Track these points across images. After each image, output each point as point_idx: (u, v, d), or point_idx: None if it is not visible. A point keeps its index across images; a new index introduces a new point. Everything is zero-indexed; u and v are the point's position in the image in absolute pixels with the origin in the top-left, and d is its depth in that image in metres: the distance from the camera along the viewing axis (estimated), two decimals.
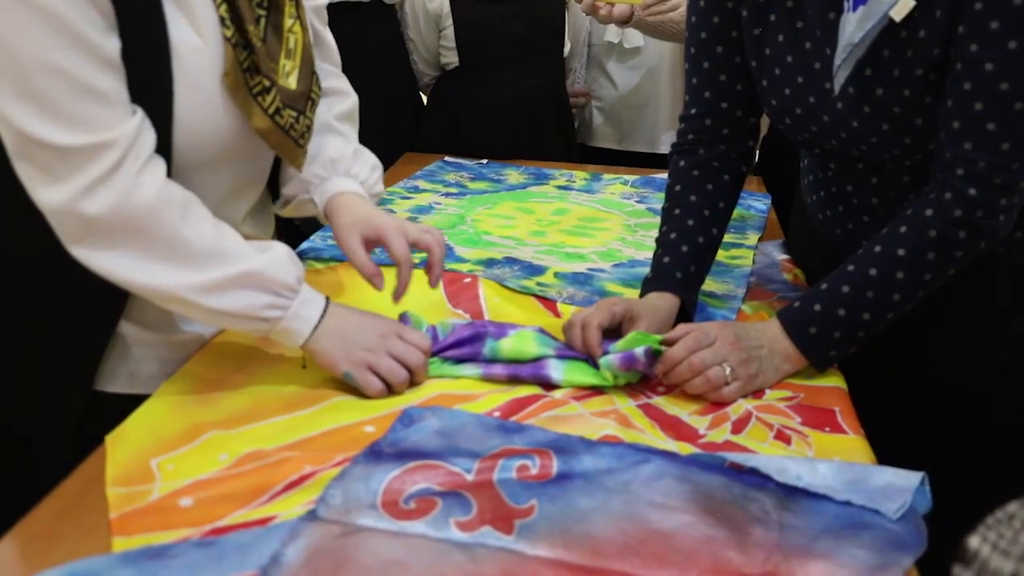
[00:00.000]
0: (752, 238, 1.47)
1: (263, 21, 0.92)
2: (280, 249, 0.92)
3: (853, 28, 0.95)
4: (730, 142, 1.17)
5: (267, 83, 0.91)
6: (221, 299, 0.87)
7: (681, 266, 1.11)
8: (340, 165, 1.08)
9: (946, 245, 0.94)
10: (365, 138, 1.86)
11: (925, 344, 1.08)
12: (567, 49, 1.94)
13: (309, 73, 0.98)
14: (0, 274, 0.95)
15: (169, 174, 0.89)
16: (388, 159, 1.85)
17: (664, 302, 1.08)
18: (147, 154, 0.85)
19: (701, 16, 1.13)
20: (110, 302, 0.95)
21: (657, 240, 1.15)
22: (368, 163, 1.13)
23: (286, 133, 0.94)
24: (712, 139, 1.17)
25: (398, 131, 1.92)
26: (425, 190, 1.66)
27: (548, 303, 1.18)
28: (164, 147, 0.88)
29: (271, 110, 0.92)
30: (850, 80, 0.99)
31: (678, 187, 1.17)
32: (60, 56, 0.78)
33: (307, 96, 0.97)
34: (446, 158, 1.86)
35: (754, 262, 1.36)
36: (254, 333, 0.93)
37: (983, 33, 0.89)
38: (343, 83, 1.17)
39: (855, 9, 0.94)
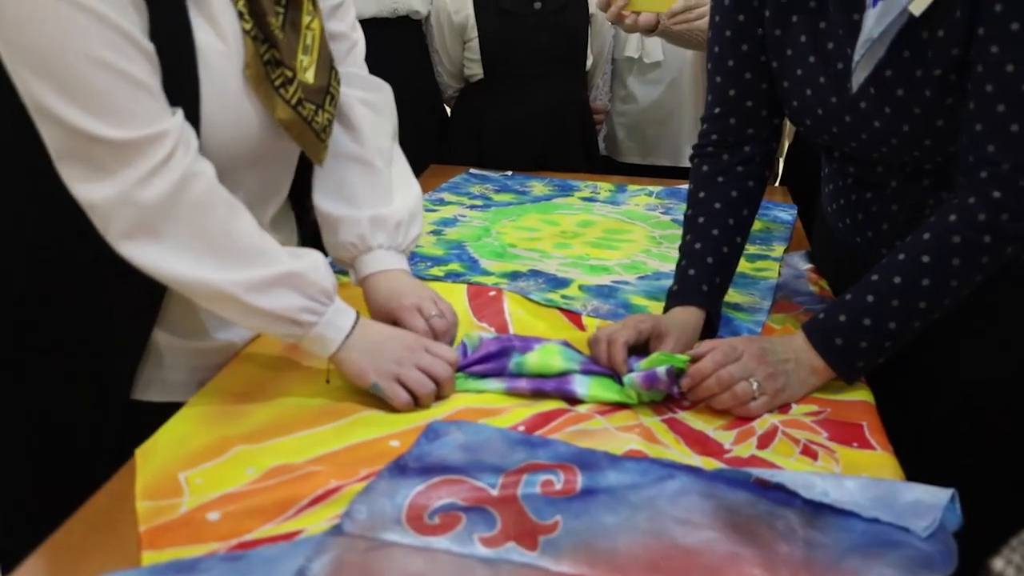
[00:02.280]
0: (778, 249, 1.46)
1: (281, 17, 0.94)
2: (317, 256, 0.93)
3: (872, 23, 0.95)
4: (754, 143, 1.16)
5: (289, 74, 0.92)
6: (262, 297, 0.88)
7: (706, 278, 1.10)
8: (370, 236, 1.09)
9: (972, 250, 0.92)
10: None
11: (954, 355, 1.07)
12: (589, 62, 1.94)
13: (327, 68, 0.99)
14: (39, 287, 0.96)
15: None
16: (414, 171, 1.86)
17: (690, 316, 1.07)
18: (196, 147, 0.86)
19: (726, 15, 1.13)
20: (146, 311, 0.96)
21: (680, 249, 1.14)
22: (404, 208, 1.12)
23: (308, 124, 0.96)
24: (736, 140, 1.16)
25: (423, 143, 1.93)
26: (450, 202, 1.67)
27: (573, 316, 1.18)
28: None
29: (293, 101, 0.93)
30: (870, 81, 0.99)
31: (701, 193, 1.16)
32: (108, 52, 0.79)
33: (326, 90, 0.98)
34: (471, 170, 1.86)
35: (780, 274, 1.35)
36: (287, 339, 0.93)
37: (1004, 34, 0.88)
38: (378, 94, 1.16)
39: (875, 4, 0.94)
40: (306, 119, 0.95)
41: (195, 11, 0.87)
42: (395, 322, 1.03)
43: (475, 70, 1.90)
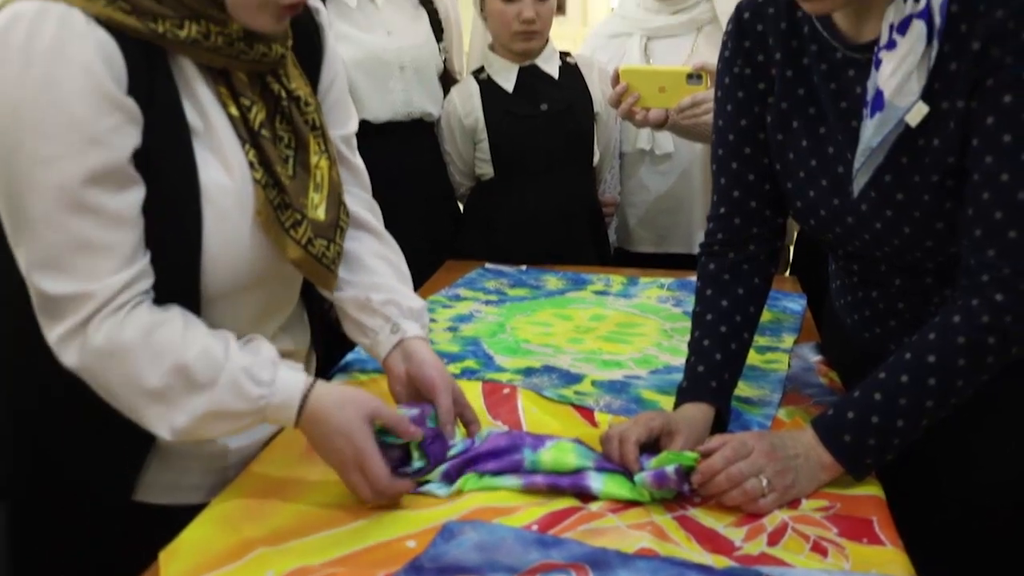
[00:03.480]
0: (788, 340, 1.48)
1: (291, 160, 0.99)
2: (234, 365, 0.92)
3: (871, 133, 0.99)
4: (759, 242, 1.20)
5: (298, 216, 0.97)
6: (198, 431, 0.91)
7: (715, 375, 1.13)
8: (398, 313, 1.12)
9: (976, 351, 0.95)
10: (408, 247, 1.94)
11: (962, 451, 1.08)
12: (597, 158, 2.00)
13: (336, 203, 1.03)
14: (42, 385, 0.99)
15: (198, 303, 0.95)
16: (430, 267, 1.91)
17: (700, 412, 1.10)
18: (129, 300, 0.89)
19: (728, 119, 1.18)
20: (131, 456, 1.00)
21: (689, 345, 1.17)
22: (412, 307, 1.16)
23: (319, 261, 1.00)
24: (741, 239, 1.19)
25: (438, 240, 1.98)
26: (466, 298, 1.71)
27: (586, 412, 1.21)
28: (191, 280, 0.94)
29: (303, 241, 0.98)
30: (871, 185, 1.03)
31: (709, 291, 1.19)
32: (63, 216, 0.84)
33: (336, 225, 1.03)
34: (487, 265, 1.91)
35: (789, 365, 1.37)
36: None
37: (997, 146, 0.93)
38: (372, 215, 1.21)
39: (872, 115, 0.99)
40: (317, 256, 0.99)
41: (203, 149, 0.93)
42: (420, 389, 1.06)
43: (486, 169, 1.97)
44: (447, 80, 1.99)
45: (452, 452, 1.03)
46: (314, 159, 1.01)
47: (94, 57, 0.83)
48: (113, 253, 0.87)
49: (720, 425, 1.12)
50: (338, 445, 0.94)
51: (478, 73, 1.97)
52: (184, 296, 0.94)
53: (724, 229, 1.20)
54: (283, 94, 0.99)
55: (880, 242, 1.07)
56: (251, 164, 0.95)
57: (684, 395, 1.13)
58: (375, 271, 1.15)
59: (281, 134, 0.99)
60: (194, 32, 0.89)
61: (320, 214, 1.01)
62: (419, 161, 1.94)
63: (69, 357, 0.89)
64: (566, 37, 2.18)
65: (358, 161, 1.19)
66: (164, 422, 0.90)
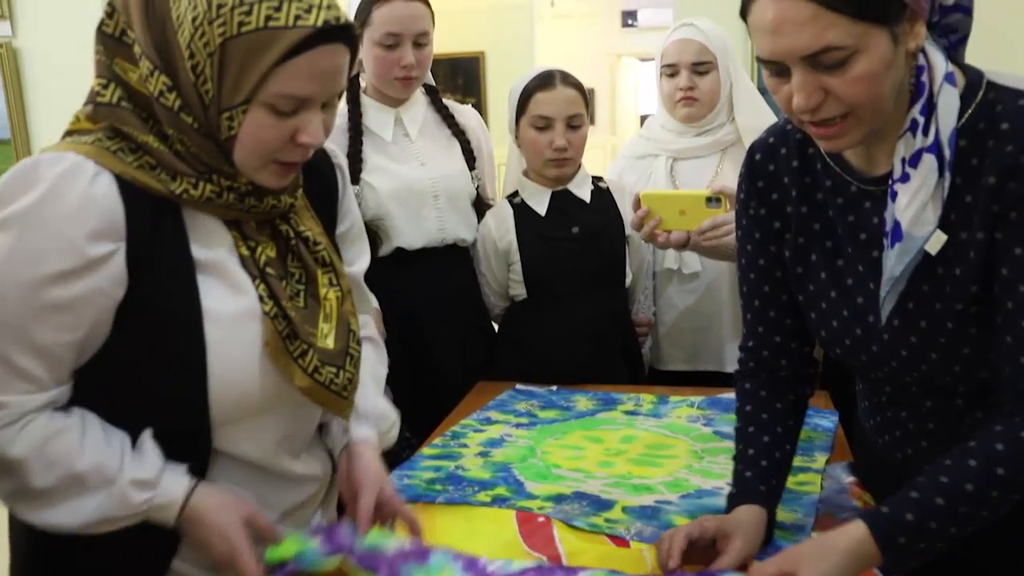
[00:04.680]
0: (820, 460, 1.48)
1: (303, 293, 1.05)
2: (124, 477, 0.97)
3: (893, 263, 1.02)
4: (789, 370, 1.25)
5: (305, 346, 1.02)
6: (76, 530, 0.96)
7: (763, 479, 1.16)
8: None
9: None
10: (443, 370, 1.98)
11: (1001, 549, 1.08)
12: (629, 279, 2.04)
13: (346, 332, 1.08)
14: None
15: (208, 427, 0.99)
16: (463, 388, 1.94)
17: (752, 515, 1.12)
18: (29, 419, 0.95)
19: (749, 258, 1.23)
20: (162, 543, 1.02)
21: (735, 458, 1.22)
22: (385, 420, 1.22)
23: (327, 388, 1.04)
24: (771, 367, 1.25)
25: (472, 362, 2.01)
26: (497, 421, 1.73)
27: (619, 540, 1.21)
28: (199, 404, 0.98)
29: (310, 369, 1.02)
30: (895, 313, 1.05)
31: (748, 407, 1.24)
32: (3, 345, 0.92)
33: (345, 352, 1.07)
34: (518, 386, 1.93)
35: (822, 487, 1.37)
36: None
37: None
38: (370, 333, 1.28)
39: (892, 246, 1.02)
40: (324, 384, 1.03)
41: (212, 283, 0.98)
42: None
43: (519, 290, 2.01)
44: (480, 206, 2.06)
45: (383, 546, 1.04)
46: (323, 291, 1.07)
47: (82, 206, 0.90)
48: (36, 379, 0.94)
49: (767, 531, 1.14)
50: (214, 543, 0.99)
51: (512, 197, 2.04)
52: (193, 420, 0.99)
53: (754, 360, 1.27)
54: (291, 234, 1.05)
55: (908, 368, 1.08)
56: (261, 298, 1.00)
57: (734, 500, 1.15)
58: None
59: (292, 270, 1.05)
60: (207, 191, 0.96)
61: (329, 343, 1.05)
62: (454, 285, 2.00)
63: None
64: (595, 146, 2.26)
65: (366, 292, 1.27)
66: (41, 518, 0.95)
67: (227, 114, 0.93)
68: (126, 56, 0.96)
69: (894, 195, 1.01)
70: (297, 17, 0.90)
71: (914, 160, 0.99)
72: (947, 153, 0.97)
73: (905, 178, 1.00)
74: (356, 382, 1.09)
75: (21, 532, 1.04)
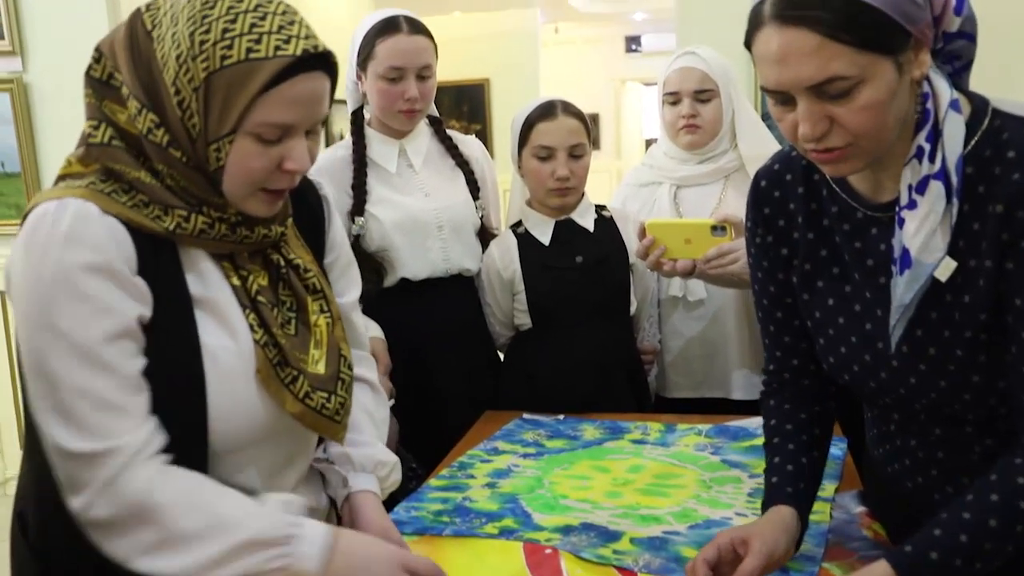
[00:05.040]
0: (829, 488, 1.47)
1: (294, 321, 1.07)
2: (271, 503, 1.00)
3: (903, 290, 1.02)
4: (812, 389, 1.27)
5: (295, 372, 1.03)
6: (225, 571, 0.94)
7: (790, 482, 1.18)
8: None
9: None
10: (448, 400, 1.98)
11: None
12: (634, 307, 2.04)
13: (336, 358, 1.10)
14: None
15: (205, 458, 1.00)
16: (469, 418, 1.94)
17: (778, 515, 1.14)
18: (149, 455, 0.95)
19: (760, 285, 1.25)
20: None
21: (764, 470, 1.23)
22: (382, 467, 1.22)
23: (319, 413, 1.05)
24: (794, 387, 1.27)
25: (478, 391, 2.01)
26: (504, 451, 1.72)
27: (627, 572, 1.20)
28: (199, 436, 0.99)
29: (301, 395, 1.04)
30: (903, 340, 1.05)
31: (773, 421, 1.26)
32: (82, 374, 0.92)
33: (336, 377, 1.09)
34: (524, 415, 1.93)
35: (831, 516, 1.36)
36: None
37: None
38: (367, 370, 1.29)
39: (902, 273, 1.02)
40: (316, 408, 1.05)
41: (206, 317, 1.01)
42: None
43: (524, 320, 2.01)
44: (485, 236, 2.07)
45: None
46: (313, 318, 1.09)
47: (104, 240, 0.93)
48: (128, 413, 0.94)
49: (800, 532, 1.16)
50: (382, 556, 1.02)
51: (516, 227, 2.05)
52: (192, 450, 0.99)
53: (777, 382, 1.29)
54: (282, 263, 1.08)
55: (917, 396, 1.08)
56: (251, 327, 1.02)
57: (765, 507, 1.17)
58: (353, 426, 1.20)
59: (283, 298, 1.07)
60: (200, 223, 0.99)
61: (320, 368, 1.07)
62: (459, 315, 2.01)
63: (98, 512, 0.93)
64: (601, 170, 2.27)
65: (358, 323, 1.28)
66: (193, 558, 0.94)
67: (214, 145, 0.96)
68: (115, 98, 0.99)
69: (901, 222, 1.02)
70: (277, 48, 0.94)
71: (921, 187, 1.00)
72: (954, 180, 0.98)
73: (912, 205, 1.00)
74: (348, 406, 1.11)
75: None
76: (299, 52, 0.95)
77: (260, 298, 1.04)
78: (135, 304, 0.95)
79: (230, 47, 0.93)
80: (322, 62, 0.98)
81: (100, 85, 1.00)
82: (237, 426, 1.02)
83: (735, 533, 1.09)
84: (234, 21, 0.94)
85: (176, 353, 0.98)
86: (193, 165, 0.98)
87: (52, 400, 0.93)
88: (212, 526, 0.95)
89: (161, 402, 0.97)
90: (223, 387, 1.00)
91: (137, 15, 0.99)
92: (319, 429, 1.07)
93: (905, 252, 1.01)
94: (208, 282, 1.02)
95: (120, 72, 0.98)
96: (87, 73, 1.00)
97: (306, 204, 1.17)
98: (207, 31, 0.94)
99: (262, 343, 1.02)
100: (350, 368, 1.12)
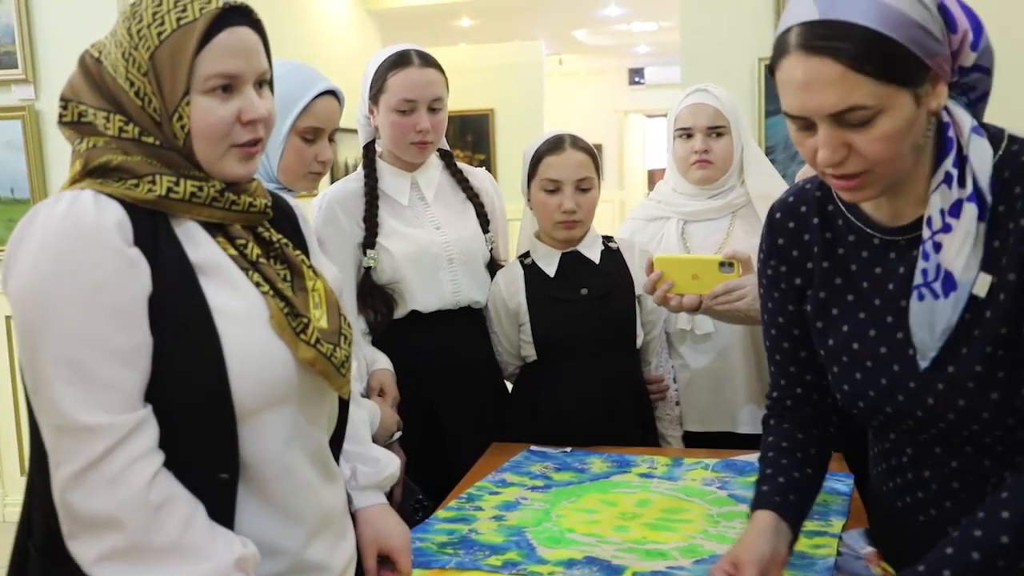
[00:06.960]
0: (836, 524, 1.47)
1: (292, 285, 1.11)
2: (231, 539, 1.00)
3: (949, 313, 1.04)
4: (813, 415, 1.29)
5: (305, 321, 1.08)
6: None
7: (779, 492, 1.20)
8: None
9: None
10: (457, 430, 1.98)
11: None
12: (640, 340, 2.05)
13: (336, 314, 1.15)
14: None
15: (234, 422, 1.01)
16: (477, 450, 1.95)
17: (760, 523, 1.17)
18: (140, 452, 0.95)
19: (770, 314, 1.28)
20: None
21: (755, 481, 1.26)
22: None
23: (328, 360, 1.09)
24: (795, 413, 1.30)
25: (487, 422, 2.01)
26: (512, 483, 1.73)
27: None
28: (224, 397, 1.00)
29: (312, 340, 1.08)
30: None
31: (771, 438, 1.29)
32: (84, 351, 0.94)
33: (338, 332, 1.13)
34: (532, 447, 1.93)
35: (839, 552, 1.36)
36: None
37: None
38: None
39: (947, 296, 1.04)
40: (326, 355, 1.09)
41: (210, 283, 1.04)
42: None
43: (530, 351, 2.02)
44: (494, 268, 2.08)
45: None
46: (310, 283, 1.14)
47: (100, 214, 0.97)
48: (115, 390, 0.95)
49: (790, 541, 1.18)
50: None
51: (523, 258, 2.06)
52: (219, 415, 1.00)
53: (779, 408, 1.32)
54: (273, 239, 1.13)
55: (934, 419, 1.09)
56: (257, 284, 1.07)
57: (749, 513, 1.21)
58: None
59: (278, 270, 1.12)
60: (190, 187, 1.04)
61: (324, 323, 1.12)
62: (468, 346, 2.02)
63: (74, 496, 0.94)
64: (604, 200, 2.28)
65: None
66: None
67: (176, 115, 1.03)
68: (91, 132, 1.05)
69: (937, 247, 1.04)
70: (201, 8, 1.03)
71: (955, 210, 1.03)
72: (988, 199, 1.02)
73: (947, 228, 1.03)
74: (350, 362, 1.15)
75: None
76: (221, 5, 1.04)
77: (261, 260, 1.09)
78: (131, 276, 0.98)
79: (162, 23, 1.02)
80: (244, 16, 1.07)
81: (75, 126, 1.06)
82: (255, 380, 1.03)
83: (728, 559, 1.12)
84: (160, 3, 1.03)
85: (187, 318, 1.00)
86: (167, 146, 1.04)
87: (41, 372, 0.95)
88: (179, 549, 0.95)
89: (181, 369, 0.99)
90: (238, 343, 1.02)
91: (84, 55, 1.08)
92: (328, 376, 1.10)
93: (948, 275, 1.03)
94: (206, 251, 1.06)
95: (84, 104, 1.05)
96: (60, 122, 1.07)
97: (279, 210, 1.21)
98: (139, 20, 1.03)
99: (270, 295, 1.07)
100: (349, 325, 1.17)
